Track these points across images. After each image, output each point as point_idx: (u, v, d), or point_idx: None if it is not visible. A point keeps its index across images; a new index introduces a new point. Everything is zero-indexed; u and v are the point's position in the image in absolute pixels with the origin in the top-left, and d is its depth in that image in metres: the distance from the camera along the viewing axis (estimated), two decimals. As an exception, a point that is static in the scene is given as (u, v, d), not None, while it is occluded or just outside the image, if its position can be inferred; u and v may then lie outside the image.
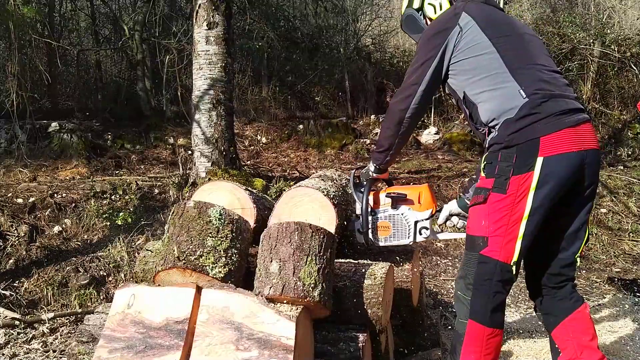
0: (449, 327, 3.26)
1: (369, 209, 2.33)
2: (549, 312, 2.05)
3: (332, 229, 2.31)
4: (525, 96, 1.88)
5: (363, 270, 2.17)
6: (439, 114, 8.70)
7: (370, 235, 2.33)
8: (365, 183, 2.36)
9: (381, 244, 2.35)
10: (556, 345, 2.02)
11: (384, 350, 2.26)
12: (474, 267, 1.95)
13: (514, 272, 1.91)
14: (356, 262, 2.29)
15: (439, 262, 4.72)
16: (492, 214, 1.90)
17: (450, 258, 4.80)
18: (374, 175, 2.33)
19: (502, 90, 1.93)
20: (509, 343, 3.01)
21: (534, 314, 3.65)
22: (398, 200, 2.31)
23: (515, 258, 1.90)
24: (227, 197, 2.63)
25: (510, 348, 2.94)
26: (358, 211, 2.37)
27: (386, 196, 2.34)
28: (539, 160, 1.83)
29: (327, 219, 2.39)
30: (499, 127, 1.93)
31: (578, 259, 2.02)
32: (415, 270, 2.61)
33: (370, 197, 2.34)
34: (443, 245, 4.92)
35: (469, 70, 1.99)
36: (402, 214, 2.30)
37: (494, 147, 1.95)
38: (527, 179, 1.84)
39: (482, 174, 1.99)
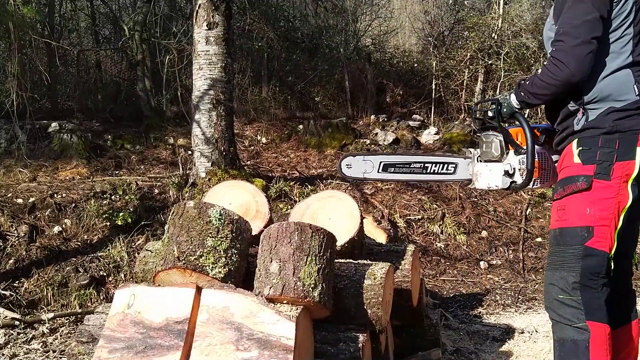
0: (449, 328, 3.26)
1: (516, 148, 2.06)
2: None
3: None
4: (637, 93, 1.84)
5: (363, 271, 2.16)
6: (439, 114, 8.69)
7: (521, 178, 2.07)
8: (510, 115, 2.09)
9: (532, 186, 2.11)
10: None
11: (384, 350, 2.26)
12: (578, 262, 1.82)
13: (612, 265, 1.83)
14: (356, 262, 2.29)
15: (439, 262, 4.72)
16: (598, 202, 1.81)
17: (450, 258, 4.80)
18: (519, 109, 2.07)
19: (617, 78, 1.86)
20: (509, 343, 3.01)
21: (534, 314, 3.63)
22: (548, 133, 2.06)
23: (614, 249, 1.82)
24: (246, 197, 2.65)
25: (510, 348, 2.94)
26: (496, 152, 2.09)
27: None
28: (639, 151, 1.80)
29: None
30: (601, 112, 1.86)
31: (636, 256, 1.99)
32: (415, 270, 2.60)
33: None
34: (443, 246, 4.92)
35: (602, 42, 1.86)
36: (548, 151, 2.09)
37: (590, 131, 1.86)
38: (630, 167, 1.80)
39: (577, 160, 1.86)
